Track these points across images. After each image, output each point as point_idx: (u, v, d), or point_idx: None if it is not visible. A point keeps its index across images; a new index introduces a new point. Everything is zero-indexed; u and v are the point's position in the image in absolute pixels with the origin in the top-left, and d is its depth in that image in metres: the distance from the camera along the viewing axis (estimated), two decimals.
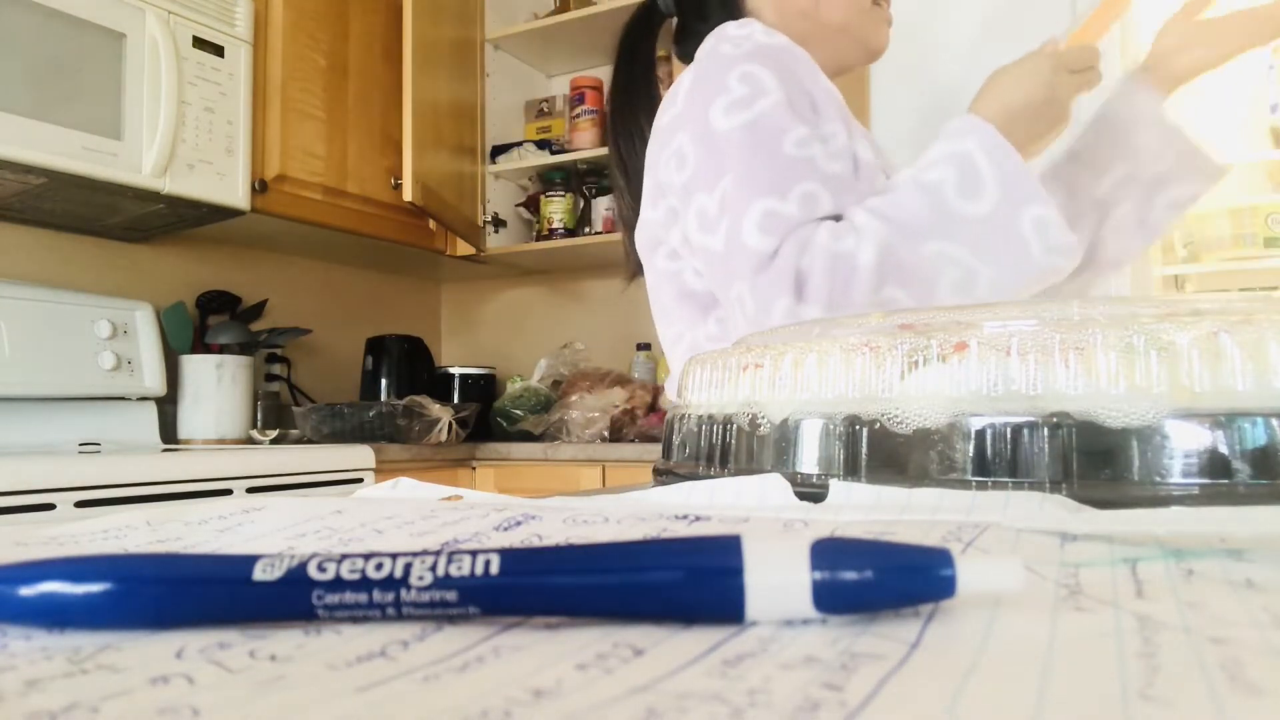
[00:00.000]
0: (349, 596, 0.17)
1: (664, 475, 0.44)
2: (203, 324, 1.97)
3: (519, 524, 0.26)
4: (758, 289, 0.70)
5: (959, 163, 0.68)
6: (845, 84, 0.88)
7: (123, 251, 1.94)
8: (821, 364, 0.34)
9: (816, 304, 0.68)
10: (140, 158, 1.56)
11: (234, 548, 0.25)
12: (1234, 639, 0.15)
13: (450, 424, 1.87)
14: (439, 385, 2.26)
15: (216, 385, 1.89)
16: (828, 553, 0.17)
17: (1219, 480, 0.27)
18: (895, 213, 0.68)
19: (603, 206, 2.26)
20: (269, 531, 0.26)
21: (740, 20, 0.83)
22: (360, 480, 1.63)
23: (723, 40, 0.80)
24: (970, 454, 0.30)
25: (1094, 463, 0.28)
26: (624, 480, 1.77)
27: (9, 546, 0.25)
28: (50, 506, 1.20)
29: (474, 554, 0.17)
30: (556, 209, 2.27)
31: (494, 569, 0.17)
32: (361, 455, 1.65)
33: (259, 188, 1.79)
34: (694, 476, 0.38)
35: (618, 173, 0.97)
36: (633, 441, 1.88)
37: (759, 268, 0.70)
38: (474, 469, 1.94)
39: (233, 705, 0.13)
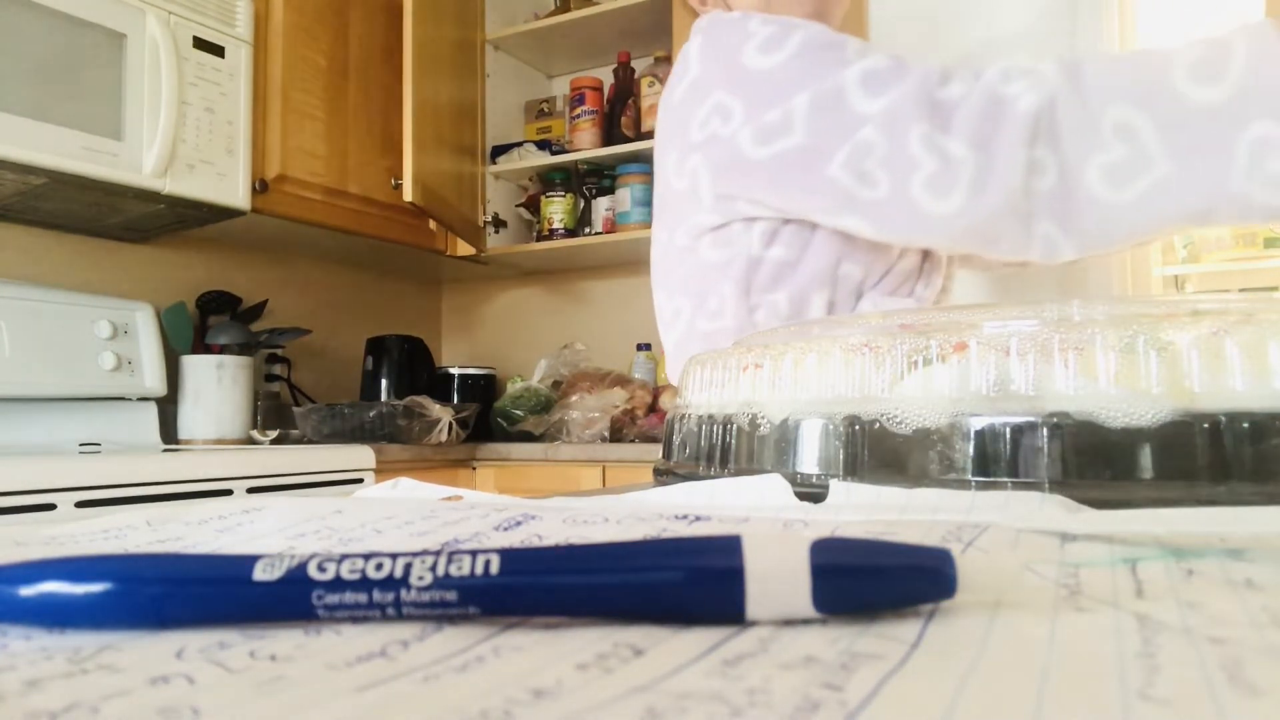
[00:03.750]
0: (349, 596, 0.17)
1: (664, 475, 0.44)
2: (203, 324, 1.97)
3: (519, 524, 0.26)
4: (888, 119, 0.65)
5: (1211, 45, 0.58)
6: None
7: (123, 251, 1.94)
8: (821, 364, 0.34)
9: (961, 139, 0.63)
10: (140, 158, 1.56)
11: (234, 548, 0.25)
12: (1234, 639, 0.15)
13: (450, 424, 1.87)
14: (439, 385, 2.26)
15: (217, 385, 1.89)
16: (828, 553, 0.17)
17: (1219, 480, 0.27)
18: (1093, 71, 0.61)
19: (603, 207, 2.26)
20: (269, 531, 0.26)
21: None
22: (360, 480, 1.63)
23: (720, 6, 0.82)
24: (970, 454, 0.30)
25: (1094, 463, 0.28)
26: (624, 480, 1.77)
27: (9, 546, 0.25)
28: (50, 506, 1.20)
29: (474, 554, 0.17)
30: (556, 209, 2.27)
31: (494, 569, 0.17)
32: (361, 455, 1.65)
33: (259, 188, 1.79)
34: (694, 476, 0.38)
35: None
36: (633, 442, 1.88)
37: (882, 109, 0.66)
38: (474, 469, 1.94)
39: (233, 705, 0.13)
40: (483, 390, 2.28)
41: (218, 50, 1.70)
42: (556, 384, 2.15)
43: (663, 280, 0.89)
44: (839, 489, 0.31)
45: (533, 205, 2.35)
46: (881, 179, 0.67)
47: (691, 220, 0.83)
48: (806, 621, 0.17)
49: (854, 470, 0.32)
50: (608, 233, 2.21)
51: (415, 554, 0.17)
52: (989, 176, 0.63)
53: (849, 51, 0.70)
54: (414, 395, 1.91)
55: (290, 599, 0.17)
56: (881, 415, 0.32)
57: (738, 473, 0.36)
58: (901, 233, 0.70)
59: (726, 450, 0.38)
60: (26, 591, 0.17)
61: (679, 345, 0.87)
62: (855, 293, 0.81)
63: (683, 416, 0.43)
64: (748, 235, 0.80)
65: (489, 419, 2.14)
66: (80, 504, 1.23)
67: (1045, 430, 0.29)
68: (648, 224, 2.17)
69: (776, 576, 0.17)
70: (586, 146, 2.23)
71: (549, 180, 2.31)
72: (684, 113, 0.80)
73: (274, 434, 1.92)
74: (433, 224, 2.20)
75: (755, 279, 0.80)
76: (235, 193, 1.72)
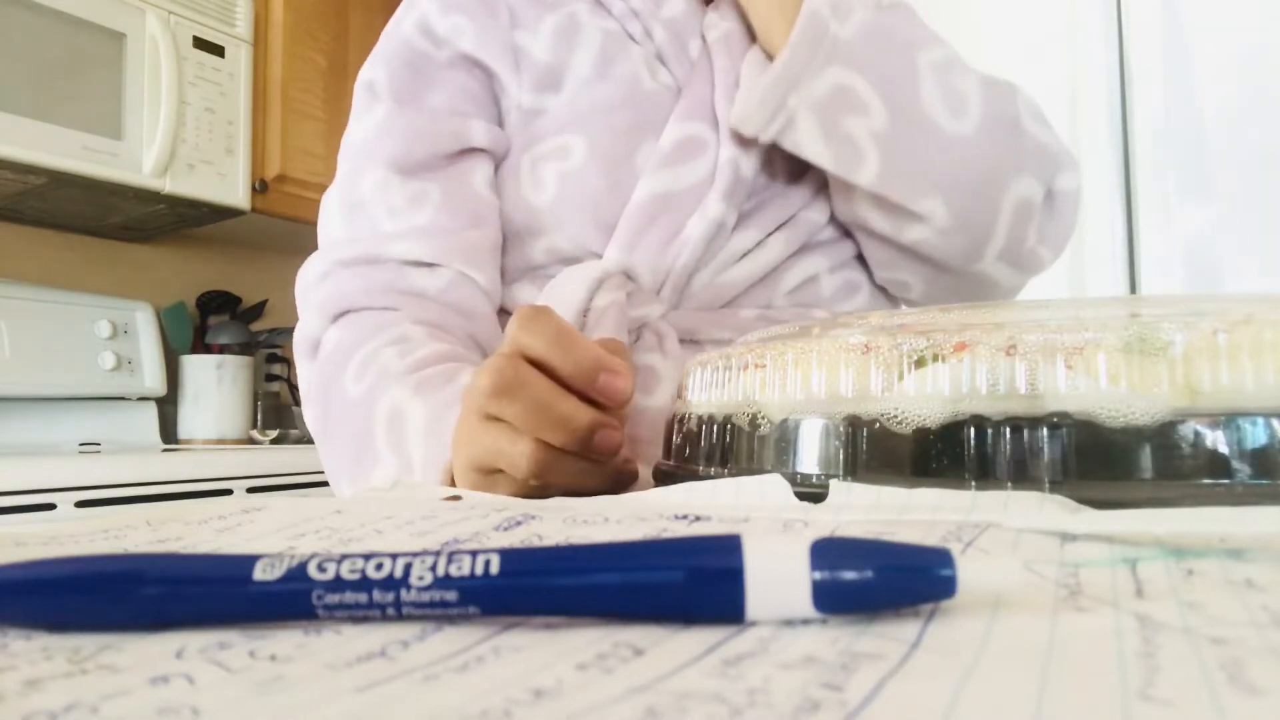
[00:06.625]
0: (349, 596, 0.17)
1: (664, 475, 0.44)
2: (203, 324, 1.97)
3: (519, 524, 0.26)
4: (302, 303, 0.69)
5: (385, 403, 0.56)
6: None
7: (123, 251, 1.94)
8: (822, 363, 0.34)
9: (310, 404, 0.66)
10: (140, 158, 1.56)
11: (234, 548, 0.25)
12: (1234, 639, 0.15)
13: None
14: None
15: (216, 385, 1.89)
16: (828, 553, 0.17)
17: (1219, 480, 0.27)
18: (328, 373, 0.63)
19: None
20: (269, 531, 0.26)
21: None
22: None
23: None
24: (970, 454, 0.30)
25: (1094, 463, 0.28)
26: None
27: (9, 546, 0.25)
28: (50, 506, 1.20)
29: (474, 554, 0.17)
30: None
31: (494, 569, 0.17)
32: None
33: (259, 188, 1.79)
34: (694, 476, 0.38)
35: None
36: None
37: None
38: None
39: (233, 705, 0.13)
40: None
41: (218, 50, 1.70)
42: None
43: None
44: (839, 489, 0.31)
45: None
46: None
47: None
48: (806, 621, 0.17)
49: (854, 470, 0.32)
50: None
51: (415, 554, 0.17)
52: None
53: (356, 157, 0.72)
54: None
55: (290, 599, 0.17)
56: (881, 415, 0.32)
57: (738, 473, 0.36)
58: None
59: (726, 450, 0.38)
60: (26, 591, 0.17)
61: None
62: None
63: (683, 416, 0.43)
64: None
65: None
66: (80, 504, 1.23)
67: (1045, 430, 0.29)
68: None
69: (776, 576, 0.17)
70: None
71: None
72: None
73: (274, 434, 1.92)
74: None
75: None
76: (235, 192, 1.72)
